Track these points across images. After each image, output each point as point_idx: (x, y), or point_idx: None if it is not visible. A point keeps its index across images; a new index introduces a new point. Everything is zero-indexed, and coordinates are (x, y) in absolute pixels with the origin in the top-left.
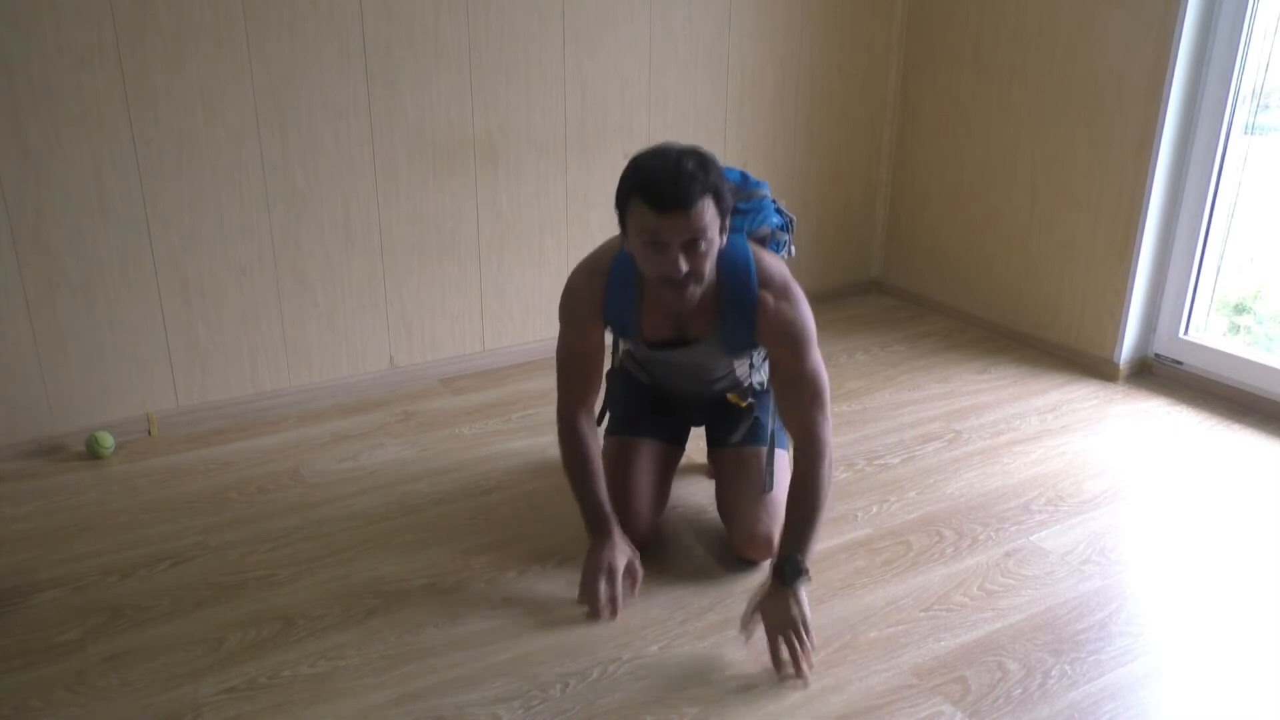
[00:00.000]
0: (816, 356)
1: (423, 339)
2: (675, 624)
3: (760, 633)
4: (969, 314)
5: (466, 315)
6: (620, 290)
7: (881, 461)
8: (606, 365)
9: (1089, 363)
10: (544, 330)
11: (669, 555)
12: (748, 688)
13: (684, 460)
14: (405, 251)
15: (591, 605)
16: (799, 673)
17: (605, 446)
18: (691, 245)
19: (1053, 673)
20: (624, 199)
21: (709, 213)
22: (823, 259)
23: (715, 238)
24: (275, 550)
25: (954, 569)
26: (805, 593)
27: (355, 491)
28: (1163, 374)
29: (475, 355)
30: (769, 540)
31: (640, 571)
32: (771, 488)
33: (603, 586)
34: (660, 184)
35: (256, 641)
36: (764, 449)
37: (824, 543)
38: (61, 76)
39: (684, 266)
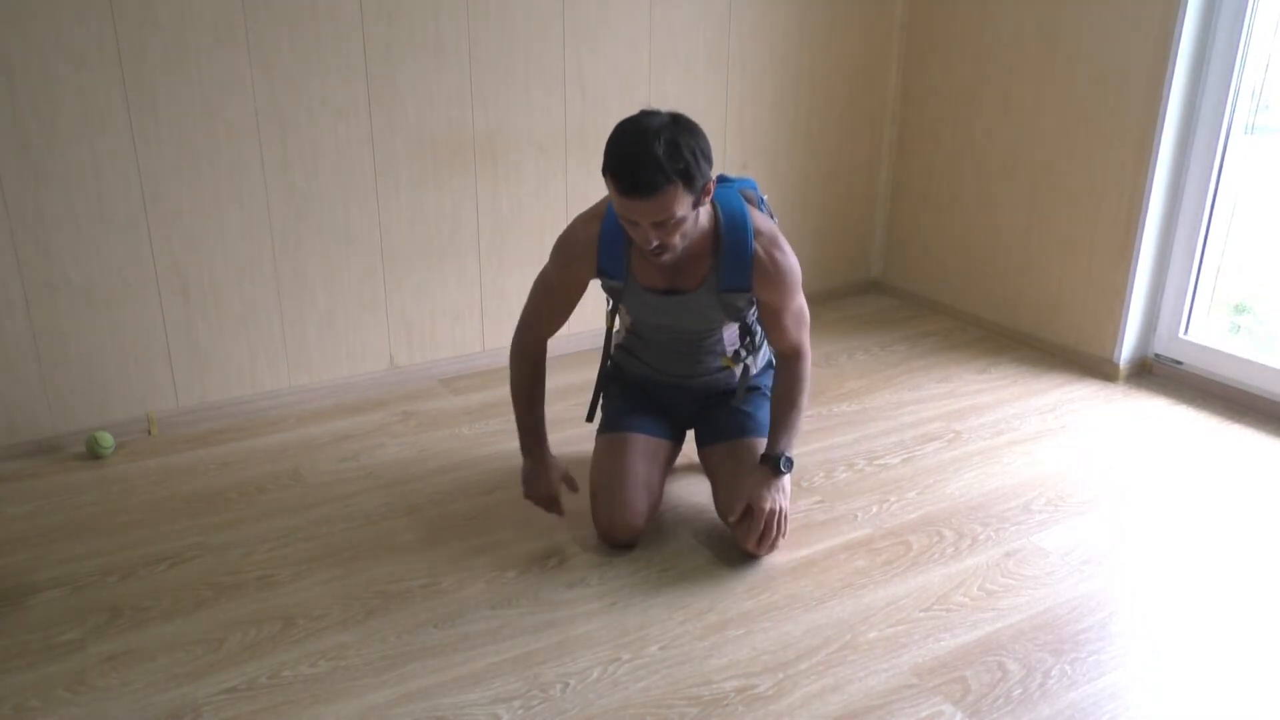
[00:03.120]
0: (801, 292)
1: (423, 339)
2: (675, 624)
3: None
4: (969, 314)
5: (466, 315)
6: (613, 235)
7: (881, 461)
8: (600, 357)
9: (1089, 363)
10: None
11: (669, 555)
12: (748, 688)
13: (685, 461)
14: (405, 251)
15: (558, 512)
16: (766, 550)
17: (597, 443)
18: (659, 224)
19: (1053, 673)
20: (604, 170)
21: (676, 197)
22: (823, 259)
23: (686, 214)
24: (275, 550)
25: (954, 569)
26: (789, 480)
27: (355, 491)
28: (1163, 374)
29: (475, 355)
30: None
31: (572, 477)
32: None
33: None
34: (628, 169)
35: (256, 641)
36: (757, 440)
37: (824, 543)
38: (61, 76)
39: (653, 241)
